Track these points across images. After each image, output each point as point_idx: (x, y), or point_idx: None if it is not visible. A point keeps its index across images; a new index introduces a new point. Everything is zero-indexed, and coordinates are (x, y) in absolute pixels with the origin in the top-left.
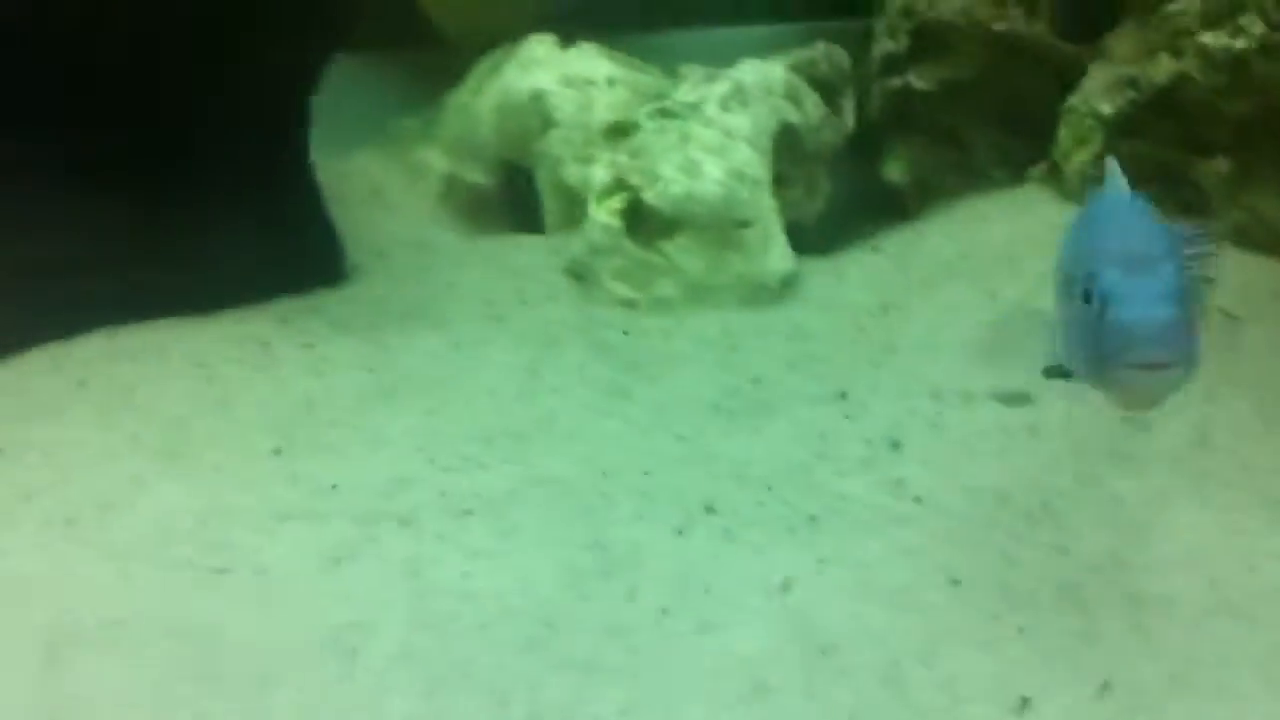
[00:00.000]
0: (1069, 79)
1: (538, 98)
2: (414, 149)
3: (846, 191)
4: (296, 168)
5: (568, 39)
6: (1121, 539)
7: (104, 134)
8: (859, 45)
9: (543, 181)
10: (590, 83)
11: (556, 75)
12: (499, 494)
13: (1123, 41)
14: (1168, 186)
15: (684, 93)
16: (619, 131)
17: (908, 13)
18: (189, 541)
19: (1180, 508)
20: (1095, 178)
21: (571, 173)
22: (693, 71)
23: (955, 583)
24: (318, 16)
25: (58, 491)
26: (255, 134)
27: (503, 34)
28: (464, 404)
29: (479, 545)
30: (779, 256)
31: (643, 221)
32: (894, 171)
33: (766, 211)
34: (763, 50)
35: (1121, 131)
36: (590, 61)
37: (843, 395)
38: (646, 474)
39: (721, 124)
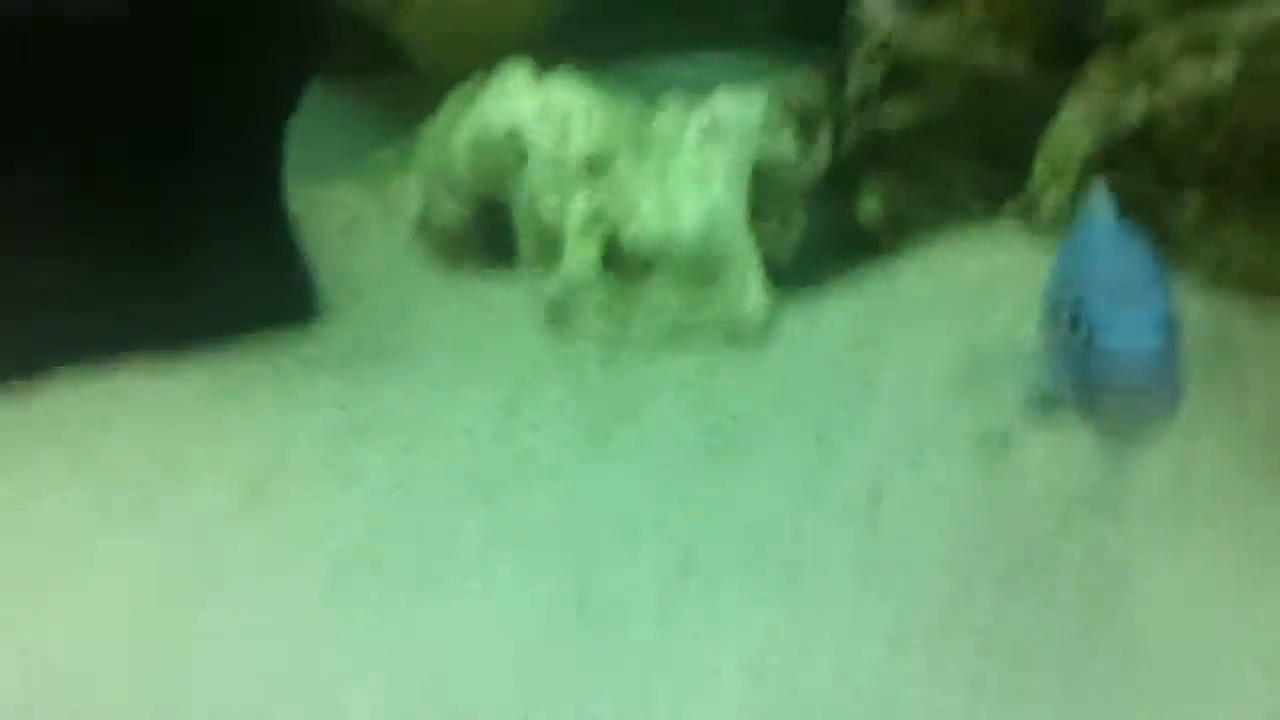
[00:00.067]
0: (1047, 111)
1: (513, 133)
2: (389, 181)
3: (822, 225)
4: (269, 200)
5: (545, 65)
6: (1105, 585)
7: (69, 164)
8: (836, 73)
9: (519, 217)
10: (567, 115)
11: (532, 108)
12: (477, 536)
13: (1100, 73)
14: (1144, 220)
15: (662, 124)
16: (596, 167)
17: (883, 45)
18: (156, 596)
19: (1162, 551)
20: (1083, 205)
21: (548, 208)
22: (671, 102)
23: (938, 634)
24: (289, 45)
25: (15, 546)
26: (227, 165)
27: (480, 59)
28: (440, 442)
29: (457, 589)
30: (756, 294)
31: (620, 259)
32: (869, 205)
33: (744, 248)
34: (743, 77)
35: (1098, 165)
36: (567, 92)
37: (821, 437)
38: (627, 517)
39: (699, 159)
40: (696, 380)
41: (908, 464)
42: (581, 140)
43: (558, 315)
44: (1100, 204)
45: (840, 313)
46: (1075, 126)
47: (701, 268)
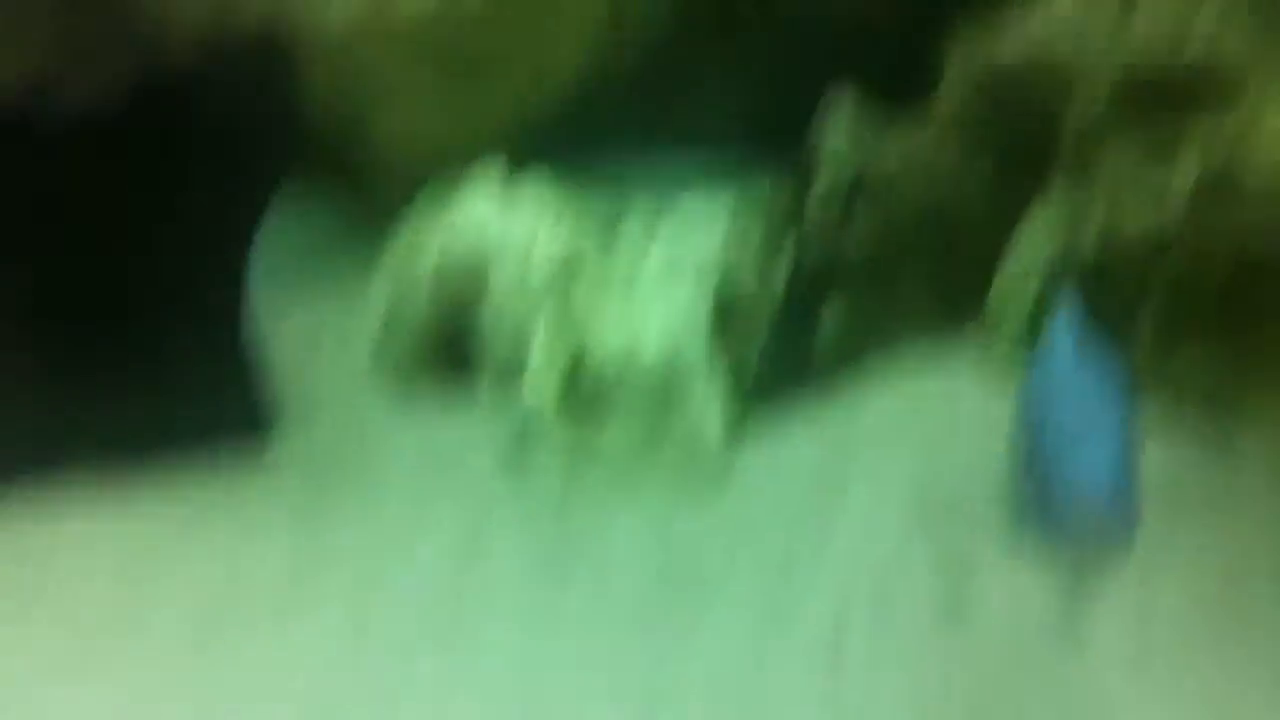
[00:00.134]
0: (1007, 230)
1: (479, 250)
2: (353, 294)
3: (784, 346)
4: (230, 314)
5: (517, 167)
6: None
7: (23, 269)
8: (801, 187)
9: (482, 336)
10: (534, 232)
11: (498, 226)
12: (430, 681)
13: (1059, 192)
14: (1108, 340)
15: (628, 239)
16: (560, 289)
17: (845, 162)
18: None
19: (1125, 690)
20: (1046, 327)
21: (511, 330)
22: (638, 208)
23: None
24: (257, 158)
25: None
26: (186, 280)
27: (451, 162)
28: (395, 578)
29: None
30: (718, 421)
31: (582, 385)
32: (830, 326)
33: (706, 373)
34: (710, 178)
35: (1057, 286)
36: (534, 207)
37: (783, 569)
38: (585, 660)
39: (663, 281)
40: (657, 511)
41: (871, 597)
42: (546, 259)
43: (517, 442)
44: (1063, 327)
45: (802, 438)
46: (1034, 246)
47: (664, 393)
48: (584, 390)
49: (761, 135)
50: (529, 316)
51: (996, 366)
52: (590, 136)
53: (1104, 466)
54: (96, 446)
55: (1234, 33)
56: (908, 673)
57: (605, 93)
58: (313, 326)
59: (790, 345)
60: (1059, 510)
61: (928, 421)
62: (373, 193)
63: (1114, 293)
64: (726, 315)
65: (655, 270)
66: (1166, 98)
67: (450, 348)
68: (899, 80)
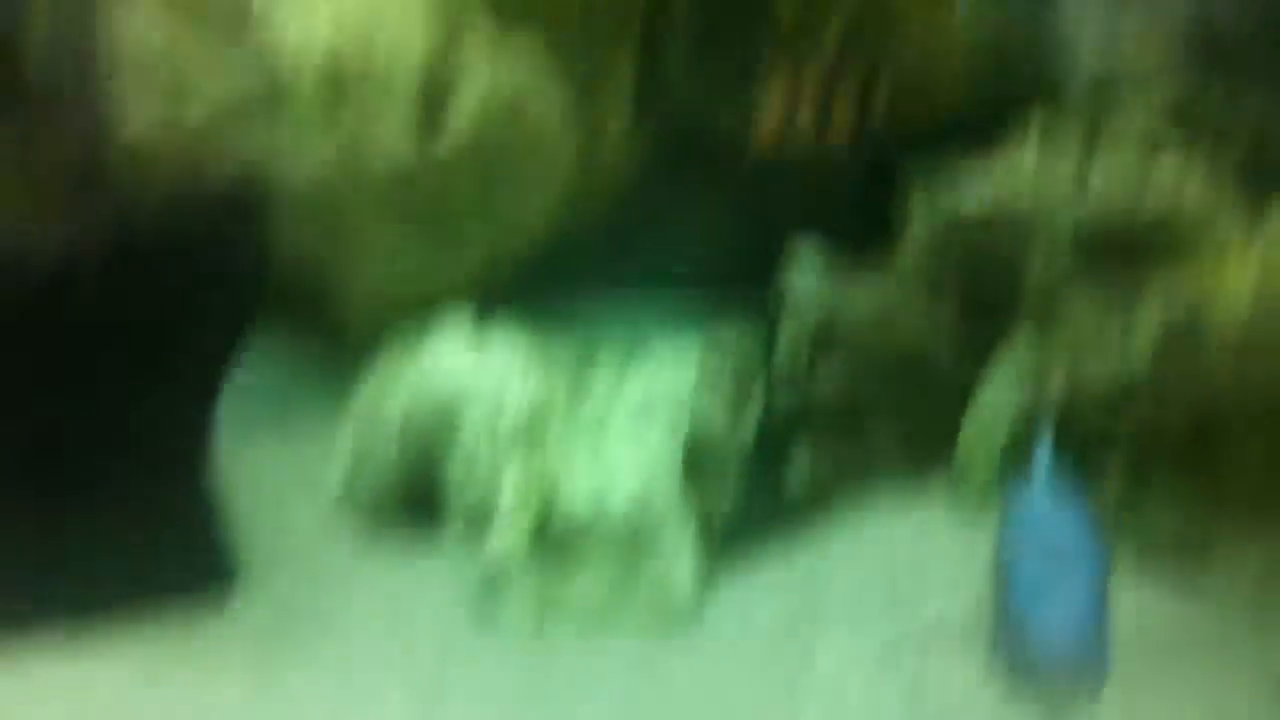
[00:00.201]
0: (974, 377)
1: (447, 401)
2: (317, 442)
3: (753, 493)
4: (192, 465)
5: (487, 311)
6: None
7: None
8: (769, 331)
9: (450, 486)
10: (503, 377)
11: (468, 370)
12: None
13: (1024, 340)
14: (1081, 484)
15: (597, 385)
16: (529, 440)
17: (812, 308)
18: None
19: None
20: (1019, 473)
21: (479, 480)
22: (607, 352)
23: None
24: (226, 303)
25: None
26: (147, 431)
27: (425, 303)
28: None
29: None
30: (688, 570)
31: (551, 533)
32: (799, 472)
33: (677, 521)
34: (679, 320)
35: (1023, 433)
36: (504, 351)
37: (756, 718)
38: None
39: (633, 430)
40: (627, 663)
41: None
42: (515, 407)
43: (485, 595)
44: (1035, 473)
45: (772, 587)
46: (1001, 394)
47: (634, 542)
48: (553, 537)
49: (729, 279)
50: (498, 462)
51: (967, 509)
52: (560, 280)
53: (1073, 616)
54: (55, 599)
55: (1193, 184)
56: None
57: (575, 238)
58: (279, 471)
59: (760, 489)
60: (1030, 656)
61: (899, 564)
62: (342, 337)
63: (1081, 439)
64: (697, 459)
65: (625, 414)
66: (1127, 249)
67: (418, 493)
68: (863, 228)
